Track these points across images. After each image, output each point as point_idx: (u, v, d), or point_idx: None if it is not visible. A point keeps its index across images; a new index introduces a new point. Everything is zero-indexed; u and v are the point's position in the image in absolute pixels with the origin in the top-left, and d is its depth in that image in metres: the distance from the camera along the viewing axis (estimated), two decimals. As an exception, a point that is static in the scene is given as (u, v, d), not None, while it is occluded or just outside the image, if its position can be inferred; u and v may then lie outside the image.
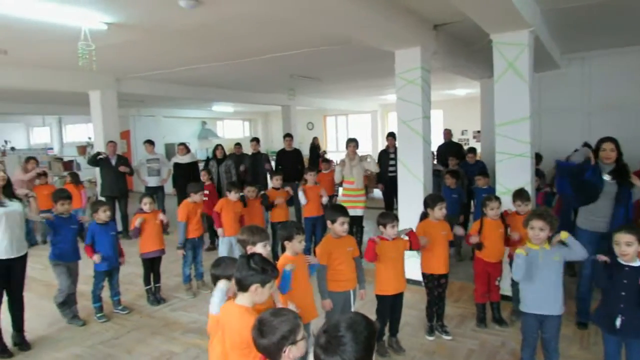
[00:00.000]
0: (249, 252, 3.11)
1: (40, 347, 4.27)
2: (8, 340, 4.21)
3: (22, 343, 4.24)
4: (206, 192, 6.46)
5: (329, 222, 3.59)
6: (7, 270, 4.05)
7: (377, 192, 10.11)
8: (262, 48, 6.45)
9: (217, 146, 8.58)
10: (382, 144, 15.87)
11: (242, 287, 2.28)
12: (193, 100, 13.19)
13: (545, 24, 5.42)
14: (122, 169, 8.20)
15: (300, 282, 3.17)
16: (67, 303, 4.76)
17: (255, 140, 9.01)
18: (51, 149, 16.14)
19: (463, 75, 8.19)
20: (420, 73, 5.35)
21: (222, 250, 5.60)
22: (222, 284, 2.60)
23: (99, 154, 8.17)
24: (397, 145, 6.07)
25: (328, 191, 6.94)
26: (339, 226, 3.52)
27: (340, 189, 7.27)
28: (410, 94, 5.43)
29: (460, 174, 6.80)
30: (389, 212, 4.07)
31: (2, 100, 11.88)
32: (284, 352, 1.76)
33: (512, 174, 4.79)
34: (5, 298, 4.15)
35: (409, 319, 4.48)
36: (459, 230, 4.57)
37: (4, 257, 3.98)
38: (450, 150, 8.33)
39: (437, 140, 8.30)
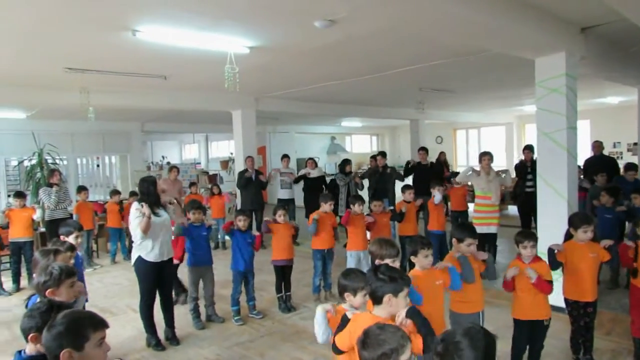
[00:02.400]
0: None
1: (188, 343, 4.73)
2: (161, 335, 4.73)
3: (172, 338, 4.74)
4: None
5: (454, 240, 3.44)
6: (160, 272, 4.59)
7: (512, 209, 9.43)
8: (392, 62, 6.47)
9: (346, 161, 8.79)
10: (517, 159, 14.85)
11: (376, 299, 2.27)
12: (323, 116, 13.71)
13: None
14: (262, 177, 8.87)
15: (429, 296, 3.07)
16: (197, 310, 5.19)
17: (382, 154, 9.02)
18: (199, 163, 17.98)
19: (617, 81, 7.32)
20: (565, 80, 4.89)
21: (350, 264, 5.67)
22: (317, 313, 2.59)
23: (244, 175, 8.85)
24: (535, 158, 5.61)
25: (460, 206, 6.67)
26: (465, 247, 3.36)
27: (472, 205, 6.93)
28: (552, 103, 4.99)
29: (619, 192, 6.01)
30: (528, 230, 3.77)
31: (161, 121, 13.60)
32: None
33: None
34: (157, 297, 4.70)
35: (550, 349, 4.04)
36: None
37: (158, 261, 4.52)
38: (602, 164, 7.43)
39: (582, 153, 7.48)
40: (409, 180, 8.63)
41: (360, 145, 20.47)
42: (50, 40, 4.82)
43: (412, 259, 3.16)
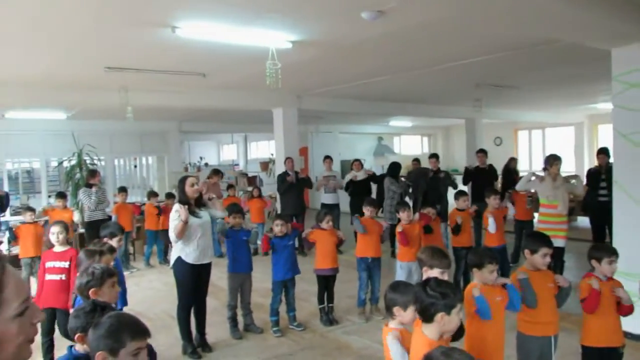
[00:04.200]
0: (424, 275, 3.04)
1: (222, 351, 4.80)
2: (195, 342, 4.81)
3: (204, 345, 4.83)
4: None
5: (527, 252, 3.31)
6: (198, 276, 4.68)
7: (582, 220, 9.03)
8: (446, 56, 6.34)
9: (396, 164, 8.72)
10: (588, 163, 14.20)
11: (426, 317, 2.21)
12: (370, 115, 13.63)
13: None
14: (301, 174, 8.90)
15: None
16: (235, 319, 5.24)
17: (435, 156, 8.86)
18: (237, 164, 18.32)
19: None
20: (647, 74, 4.64)
21: (400, 276, 5.58)
22: (390, 337, 2.54)
23: (285, 179, 8.89)
24: (610, 163, 5.34)
25: (525, 215, 6.43)
26: (540, 258, 3.23)
27: (537, 214, 6.68)
28: (632, 100, 4.73)
29: None
30: (605, 244, 3.57)
31: (199, 120, 13.94)
32: None
33: None
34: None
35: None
36: None
37: (197, 263, 4.62)
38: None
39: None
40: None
41: (410, 146, 20.23)
42: (92, 40, 5.03)
43: (475, 271, 3.07)
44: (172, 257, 4.72)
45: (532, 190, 6.92)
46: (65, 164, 10.49)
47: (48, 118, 10.72)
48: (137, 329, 1.90)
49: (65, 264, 4.39)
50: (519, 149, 17.68)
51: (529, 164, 17.10)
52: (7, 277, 1.00)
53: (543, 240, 3.31)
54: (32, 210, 6.94)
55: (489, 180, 8.38)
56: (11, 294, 1.01)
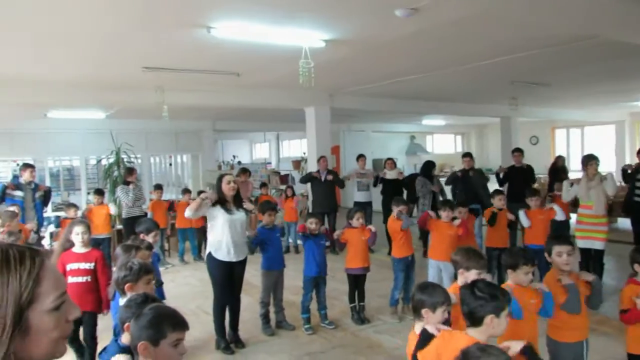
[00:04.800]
0: (460, 277, 3.01)
1: (257, 349, 4.86)
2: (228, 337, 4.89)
3: (237, 341, 4.90)
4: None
5: (546, 254, 3.25)
6: (230, 272, 4.76)
7: (623, 222, 8.74)
8: (482, 53, 6.25)
9: (429, 163, 8.64)
10: (630, 162, 13.74)
11: (475, 320, 2.17)
12: (403, 113, 13.53)
13: None
14: (329, 177, 8.87)
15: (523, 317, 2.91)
16: (268, 316, 5.30)
17: (469, 155, 8.73)
18: (269, 163, 18.47)
19: None
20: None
21: (431, 275, 5.54)
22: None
23: (311, 174, 8.98)
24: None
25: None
26: (557, 257, 3.14)
27: (574, 215, 6.52)
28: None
29: None
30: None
31: (232, 119, 14.13)
32: None
33: None
34: None
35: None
36: None
37: (227, 260, 4.69)
38: None
39: None
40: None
41: (443, 145, 19.99)
42: (130, 41, 5.19)
43: (509, 272, 3.02)
44: (206, 253, 4.82)
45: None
46: (104, 161, 10.81)
47: (88, 117, 11.07)
48: (177, 321, 1.98)
49: (90, 265, 4.16)
50: (556, 148, 17.23)
51: (568, 163, 16.65)
52: (44, 272, 1.03)
53: (557, 239, 3.26)
54: (75, 206, 7.19)
55: (526, 181, 8.20)
56: (48, 288, 1.02)
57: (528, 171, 8.44)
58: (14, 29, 4.61)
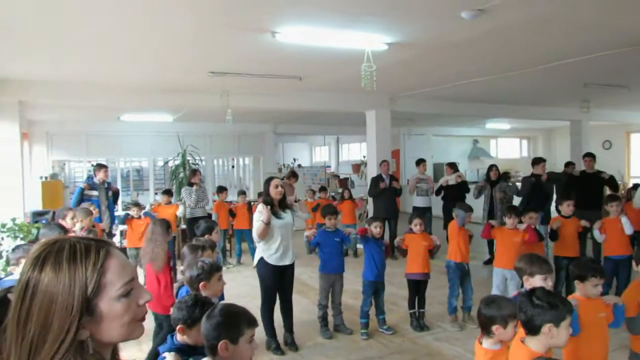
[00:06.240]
0: (525, 284, 2.90)
1: (311, 350, 4.88)
2: (280, 339, 4.93)
3: (292, 343, 4.93)
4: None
5: (634, 262, 3.05)
6: (280, 276, 4.82)
7: None
8: (552, 54, 5.99)
9: (492, 167, 8.35)
10: None
11: (532, 329, 2.10)
12: (465, 117, 13.21)
13: None
14: (395, 184, 8.80)
15: (592, 330, 2.76)
16: (326, 319, 5.29)
17: (542, 160, 8.27)
18: (329, 166, 18.56)
19: None
20: None
21: (495, 283, 5.36)
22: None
23: (377, 184, 8.85)
24: None
25: (637, 225, 5.89)
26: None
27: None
28: None
29: None
30: None
31: (293, 123, 14.32)
32: None
33: None
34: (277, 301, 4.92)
35: None
36: None
37: (278, 264, 4.75)
38: None
39: None
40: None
41: (508, 150, 19.31)
42: (198, 48, 5.41)
43: (577, 283, 2.87)
44: (256, 257, 4.89)
45: None
46: (170, 163, 11.27)
47: (156, 120, 11.58)
48: (250, 318, 2.06)
49: None
50: (631, 153, 16.21)
51: (644, 170, 15.64)
52: (110, 261, 1.09)
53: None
54: (138, 205, 7.56)
55: (597, 187, 7.75)
56: (113, 277, 1.08)
57: (598, 178, 7.93)
58: (100, 45, 5.03)
